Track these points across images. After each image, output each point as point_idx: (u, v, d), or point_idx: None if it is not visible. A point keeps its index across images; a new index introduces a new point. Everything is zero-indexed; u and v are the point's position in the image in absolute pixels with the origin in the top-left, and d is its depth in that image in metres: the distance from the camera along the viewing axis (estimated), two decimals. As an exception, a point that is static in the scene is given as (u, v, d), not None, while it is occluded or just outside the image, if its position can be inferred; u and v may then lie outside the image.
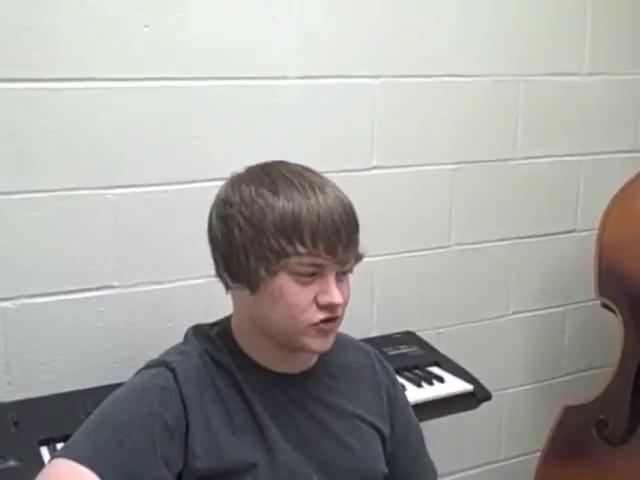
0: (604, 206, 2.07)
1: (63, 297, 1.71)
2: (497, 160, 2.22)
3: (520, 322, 2.38)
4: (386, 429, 1.35)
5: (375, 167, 2.02)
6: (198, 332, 1.29)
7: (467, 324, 2.28)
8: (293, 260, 1.16)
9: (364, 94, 1.98)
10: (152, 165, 1.75)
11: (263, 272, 1.17)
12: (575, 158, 2.35)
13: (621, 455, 1.90)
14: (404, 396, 1.45)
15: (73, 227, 1.69)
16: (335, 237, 1.16)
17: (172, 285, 1.81)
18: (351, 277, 2.04)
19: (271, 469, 1.20)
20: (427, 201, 2.13)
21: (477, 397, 1.85)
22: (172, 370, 1.20)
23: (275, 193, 1.17)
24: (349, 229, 1.18)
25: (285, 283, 1.17)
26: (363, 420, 1.33)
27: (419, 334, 2.11)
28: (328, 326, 1.20)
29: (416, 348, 2.02)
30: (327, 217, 1.15)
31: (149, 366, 1.24)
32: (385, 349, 1.97)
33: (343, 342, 1.39)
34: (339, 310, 1.20)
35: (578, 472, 1.96)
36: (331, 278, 1.18)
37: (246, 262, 1.19)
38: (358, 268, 1.96)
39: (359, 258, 1.24)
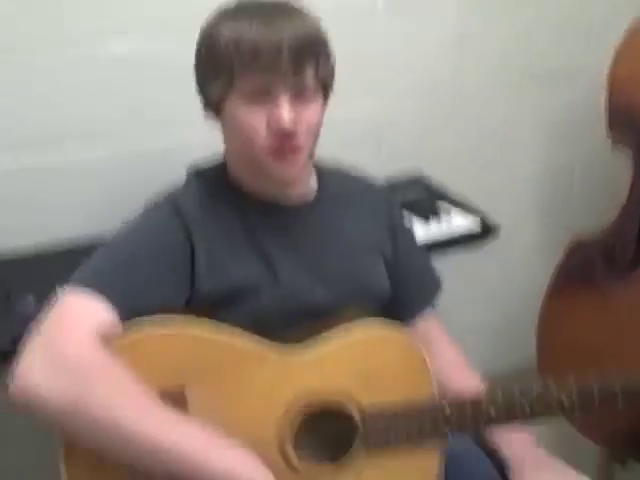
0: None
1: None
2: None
3: (529, 165, 2.38)
4: (388, 249, 1.40)
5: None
6: (198, 169, 1.33)
7: (476, 166, 2.27)
8: (239, 78, 1.17)
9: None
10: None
11: (217, 94, 1.21)
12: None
13: (627, 284, 1.93)
14: (404, 219, 1.49)
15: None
16: (276, 52, 1.15)
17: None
18: (357, 123, 1.98)
19: (274, 288, 1.25)
20: (434, 39, 2.07)
21: (484, 230, 1.87)
22: (175, 202, 1.24)
23: (229, 19, 1.20)
24: (296, 46, 1.16)
25: (236, 104, 1.20)
26: (367, 244, 1.37)
27: (428, 177, 2.12)
28: (285, 148, 1.20)
29: (424, 188, 2.03)
30: (271, 33, 1.16)
31: (153, 202, 1.27)
32: (393, 191, 1.98)
33: (345, 172, 1.44)
34: (292, 131, 1.19)
35: (584, 300, 1.99)
36: (282, 99, 1.18)
37: (205, 87, 1.23)
38: (365, 112, 1.99)
39: (326, 82, 1.24)
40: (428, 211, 1.87)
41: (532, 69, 2.25)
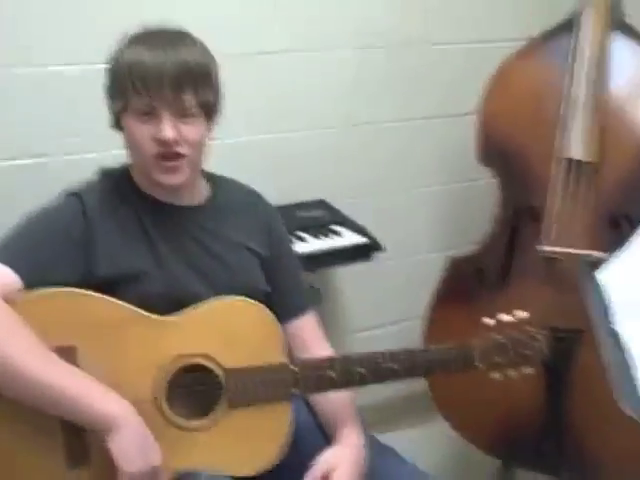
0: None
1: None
2: (401, 44, 2.47)
3: (428, 196, 2.68)
4: (264, 252, 1.66)
5: (281, 50, 2.27)
6: (105, 171, 1.61)
7: (378, 196, 2.57)
8: (131, 100, 1.45)
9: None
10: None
11: (117, 112, 1.49)
12: (479, 45, 2.60)
13: (495, 300, 2.19)
14: (282, 227, 1.75)
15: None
16: (159, 81, 1.42)
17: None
18: (268, 151, 2.34)
19: (159, 274, 1.51)
20: (331, 80, 2.39)
21: (369, 248, 2.17)
22: (79, 196, 1.52)
23: (128, 47, 1.48)
24: (176, 76, 1.43)
25: (130, 121, 1.48)
26: (245, 247, 1.63)
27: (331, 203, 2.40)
28: (170, 163, 1.48)
29: (324, 212, 2.32)
30: (154, 65, 1.43)
31: (64, 194, 1.55)
32: (297, 212, 2.27)
33: (233, 184, 1.71)
34: (176, 146, 1.46)
35: (459, 316, 2.20)
36: (164, 117, 1.44)
37: (109, 105, 1.51)
38: (276, 143, 2.29)
39: (208, 107, 1.50)
40: (320, 231, 2.18)
41: (427, 111, 2.59)
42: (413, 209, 2.67)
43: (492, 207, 2.43)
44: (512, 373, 1.56)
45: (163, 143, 1.46)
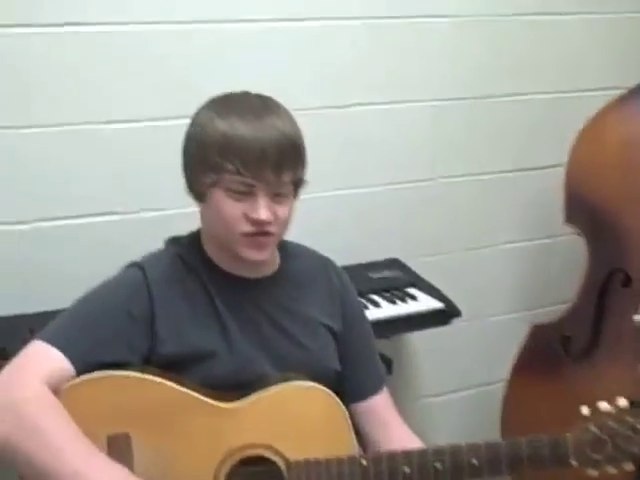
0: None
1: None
2: (481, 97, 2.36)
3: (507, 253, 2.53)
4: (337, 326, 1.53)
5: (358, 104, 2.18)
6: (174, 240, 1.50)
7: (453, 253, 2.44)
8: (226, 177, 1.34)
9: (346, 36, 2.13)
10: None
11: (205, 185, 1.37)
12: (561, 95, 2.46)
13: (582, 370, 2.06)
14: (354, 295, 1.62)
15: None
16: (261, 162, 1.32)
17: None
18: (339, 207, 2.23)
19: (229, 356, 1.39)
20: (408, 135, 2.28)
21: (447, 314, 2.03)
22: (142, 269, 1.41)
23: (220, 116, 1.35)
24: (278, 156, 1.33)
25: (220, 197, 1.36)
26: (320, 323, 1.51)
27: (404, 261, 2.28)
28: (259, 239, 1.37)
29: (398, 272, 2.19)
30: (256, 143, 1.32)
31: (126, 266, 1.45)
32: (369, 273, 2.15)
33: (303, 252, 1.58)
34: (268, 226, 1.37)
35: (542, 384, 2.11)
36: (261, 197, 1.35)
37: (194, 175, 1.39)
38: (347, 199, 2.19)
39: (299, 183, 1.41)
40: (394, 294, 2.05)
41: (505, 165, 2.46)
42: (490, 267, 2.53)
43: (573, 265, 2.31)
44: (610, 470, 1.39)
45: (257, 223, 1.36)
